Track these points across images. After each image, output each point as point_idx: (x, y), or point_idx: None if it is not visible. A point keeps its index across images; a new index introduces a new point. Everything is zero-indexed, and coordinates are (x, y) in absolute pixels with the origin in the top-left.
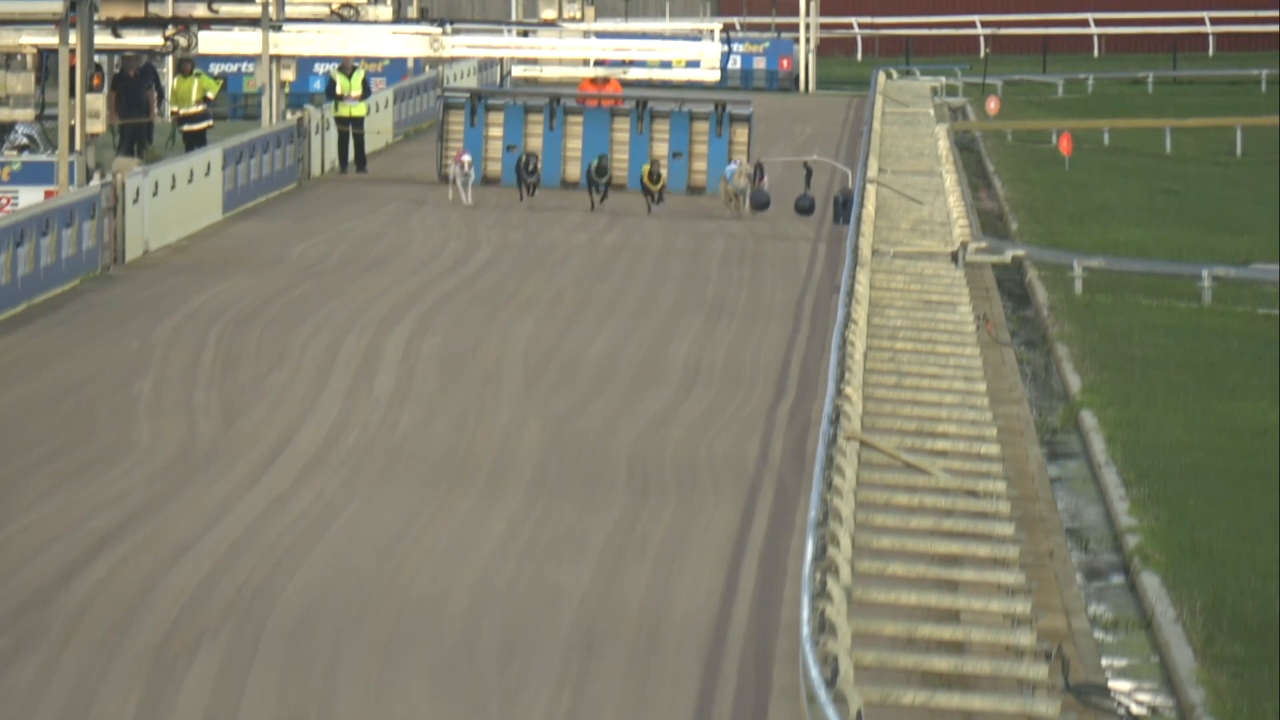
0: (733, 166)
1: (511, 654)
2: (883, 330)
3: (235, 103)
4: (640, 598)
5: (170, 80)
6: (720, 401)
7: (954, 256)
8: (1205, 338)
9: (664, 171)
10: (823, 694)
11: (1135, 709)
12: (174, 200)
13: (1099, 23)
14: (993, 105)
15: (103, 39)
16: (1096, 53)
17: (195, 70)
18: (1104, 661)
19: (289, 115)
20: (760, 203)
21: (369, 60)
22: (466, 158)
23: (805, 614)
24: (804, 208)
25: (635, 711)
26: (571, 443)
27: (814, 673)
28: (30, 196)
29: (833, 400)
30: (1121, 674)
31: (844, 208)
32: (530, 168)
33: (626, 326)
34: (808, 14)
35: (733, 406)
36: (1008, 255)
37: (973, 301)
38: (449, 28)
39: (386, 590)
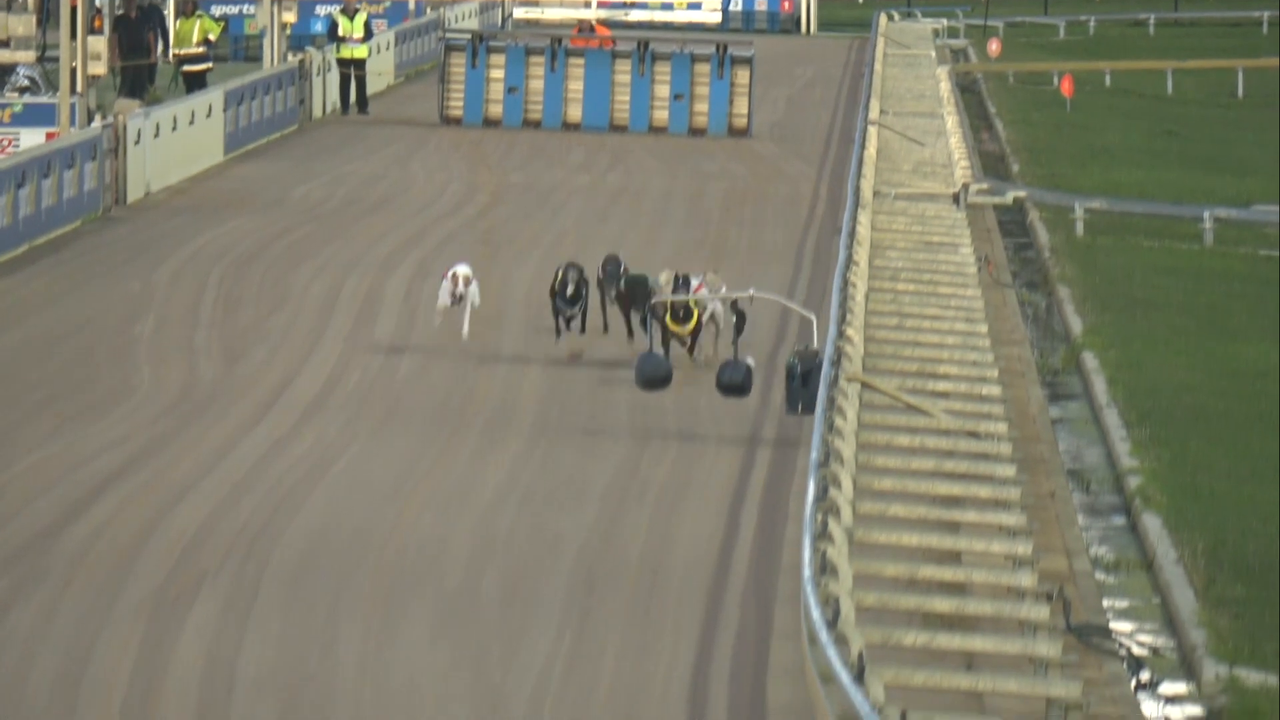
0: (696, 281)
1: (513, 598)
2: (884, 272)
3: (236, 44)
4: (641, 542)
5: (172, 22)
6: (721, 344)
7: (955, 198)
8: (1207, 279)
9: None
10: (824, 635)
11: (1137, 650)
12: (175, 142)
13: None
14: (994, 47)
15: None
16: None
17: (197, 12)
18: (1105, 603)
19: (290, 57)
20: (733, 383)
21: (371, 2)
22: (462, 269)
23: (807, 555)
24: (731, 384)
25: (636, 655)
26: (573, 388)
27: (815, 614)
28: (31, 138)
29: (834, 342)
30: (1123, 615)
31: (805, 383)
32: (572, 295)
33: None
34: None
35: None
36: (1009, 197)
37: (974, 243)
38: None
39: (388, 534)
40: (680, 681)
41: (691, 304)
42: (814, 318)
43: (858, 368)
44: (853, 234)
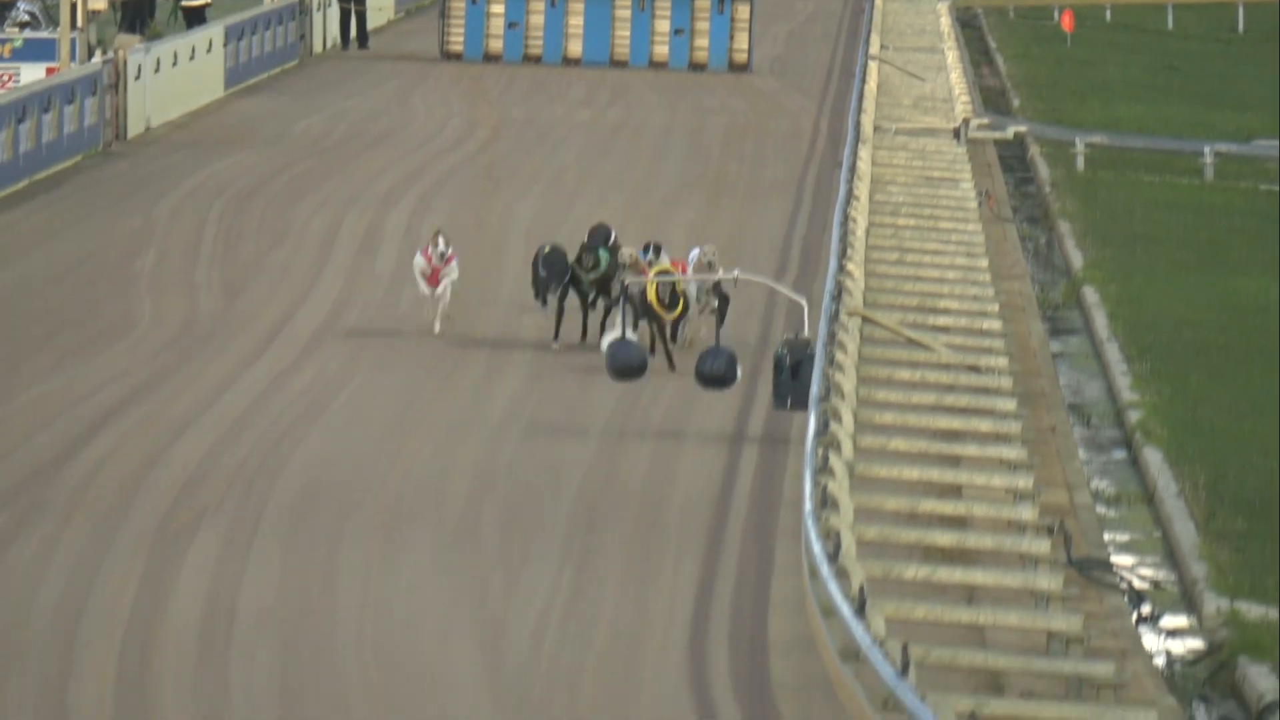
0: (695, 253)
1: (513, 531)
2: (885, 206)
3: None
4: (642, 476)
5: None
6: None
7: (956, 133)
8: (1207, 214)
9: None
10: (825, 568)
11: (1138, 584)
12: (175, 77)
13: None
14: None
15: None
16: None
17: None
18: (1106, 536)
19: None
20: (714, 374)
21: None
22: (437, 244)
23: (808, 489)
24: (713, 375)
25: (637, 587)
26: (575, 323)
27: (816, 548)
28: (32, 73)
29: (835, 276)
30: (1124, 549)
31: (795, 376)
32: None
33: (629, 204)
34: None
35: (735, 283)
36: (1010, 131)
37: (975, 178)
38: None
39: (389, 468)
40: (682, 614)
41: (678, 288)
42: (804, 302)
43: (858, 302)
44: (853, 169)
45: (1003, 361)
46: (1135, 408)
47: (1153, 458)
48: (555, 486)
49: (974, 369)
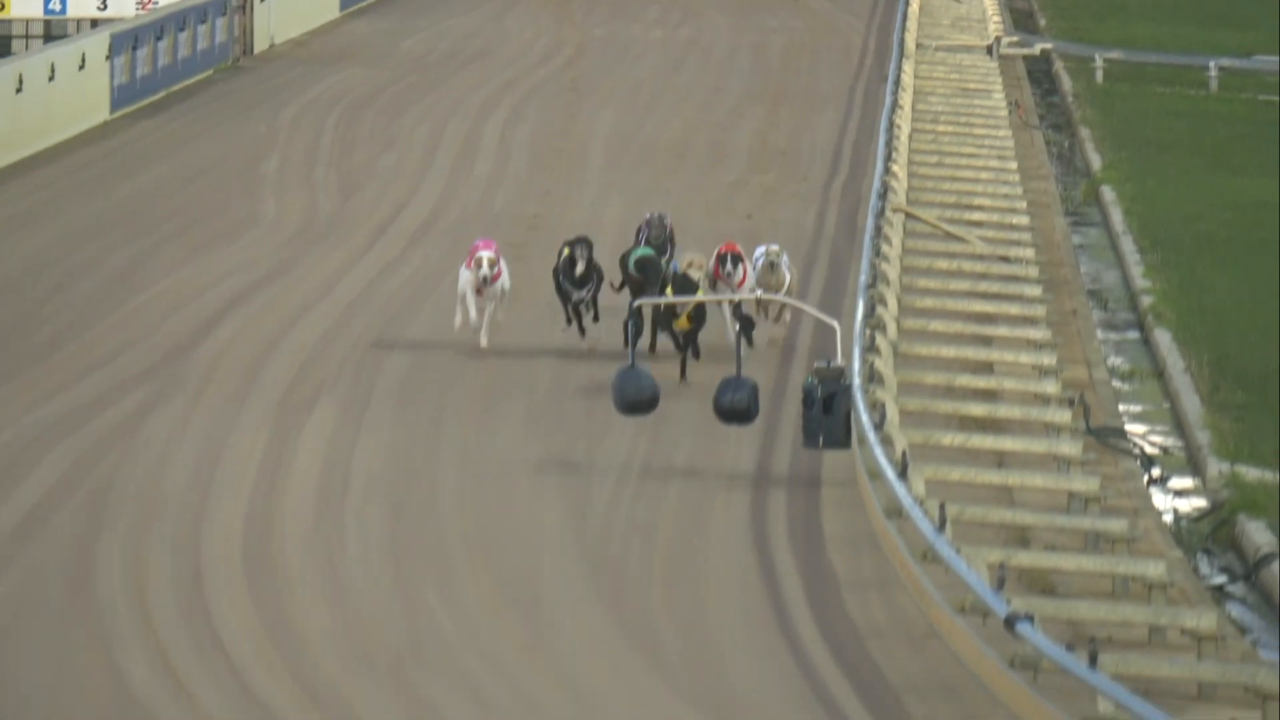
0: (760, 251)
1: (595, 403)
2: (925, 115)
3: None
4: (705, 343)
5: None
6: (781, 178)
7: (989, 50)
8: (1211, 122)
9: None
10: (872, 436)
11: (1148, 449)
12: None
13: None
14: None
15: None
16: None
17: None
18: (1121, 407)
19: None
20: (735, 408)
21: None
22: (486, 252)
23: (856, 366)
24: (735, 409)
25: (705, 452)
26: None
27: (864, 418)
28: None
29: (881, 177)
30: (1136, 419)
31: (827, 410)
32: (581, 275)
33: (698, 113)
34: None
35: (793, 183)
36: (1037, 48)
37: (1005, 89)
38: None
39: (486, 346)
40: (744, 475)
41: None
42: (837, 325)
43: (902, 199)
44: (898, 81)
45: (1030, 252)
46: (1147, 294)
47: (1162, 338)
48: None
49: (1004, 259)
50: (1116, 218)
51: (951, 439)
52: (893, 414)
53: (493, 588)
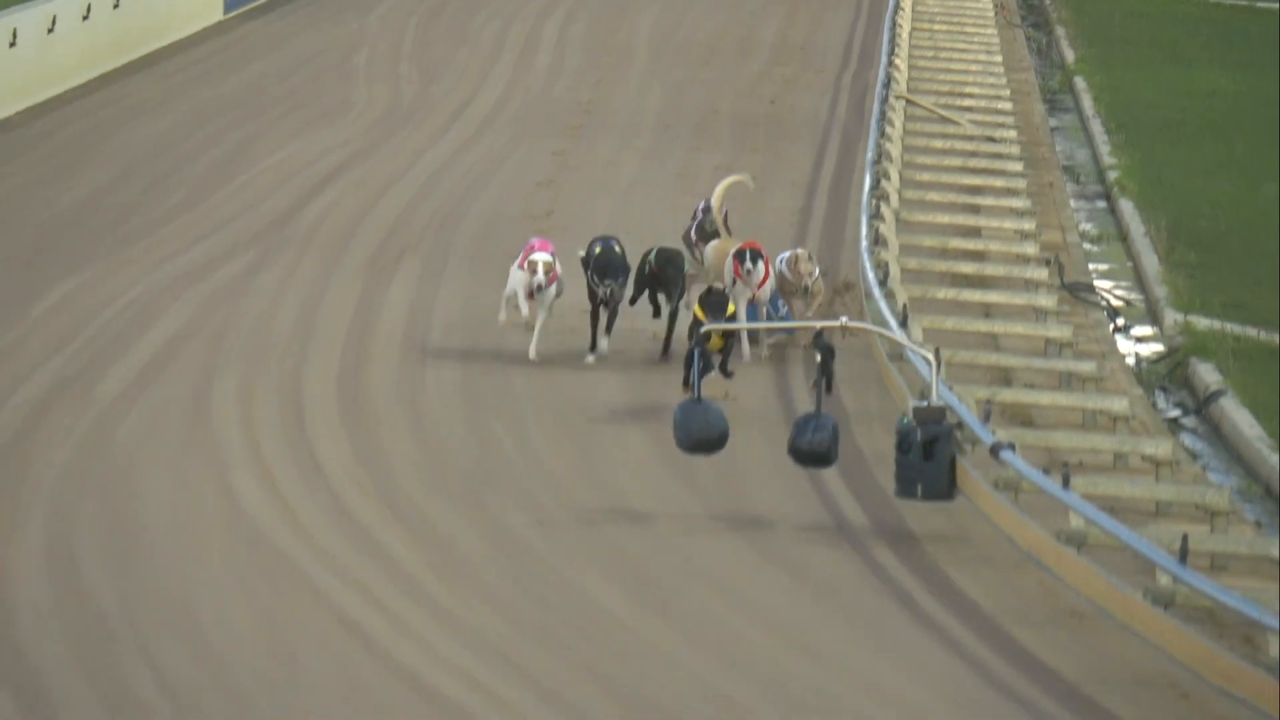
0: (783, 257)
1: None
2: (923, 15)
3: None
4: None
5: None
6: (799, 70)
7: None
8: (1170, 22)
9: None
10: (877, 291)
11: (1114, 302)
12: None
13: None
14: None
15: None
16: None
17: None
18: (1090, 266)
19: None
20: (815, 451)
21: None
22: (542, 255)
23: (864, 230)
24: (814, 451)
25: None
26: (687, 102)
27: (870, 275)
28: None
29: (885, 68)
30: (1103, 276)
31: (927, 457)
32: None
33: (728, 14)
34: None
35: (809, 74)
36: None
37: None
38: None
39: (545, 214)
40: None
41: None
42: (931, 358)
43: (903, 88)
44: None
45: (1013, 134)
46: (1113, 169)
47: (1126, 207)
48: (675, 230)
49: (991, 139)
50: (1087, 104)
51: (945, 293)
52: (895, 272)
53: (552, 422)
